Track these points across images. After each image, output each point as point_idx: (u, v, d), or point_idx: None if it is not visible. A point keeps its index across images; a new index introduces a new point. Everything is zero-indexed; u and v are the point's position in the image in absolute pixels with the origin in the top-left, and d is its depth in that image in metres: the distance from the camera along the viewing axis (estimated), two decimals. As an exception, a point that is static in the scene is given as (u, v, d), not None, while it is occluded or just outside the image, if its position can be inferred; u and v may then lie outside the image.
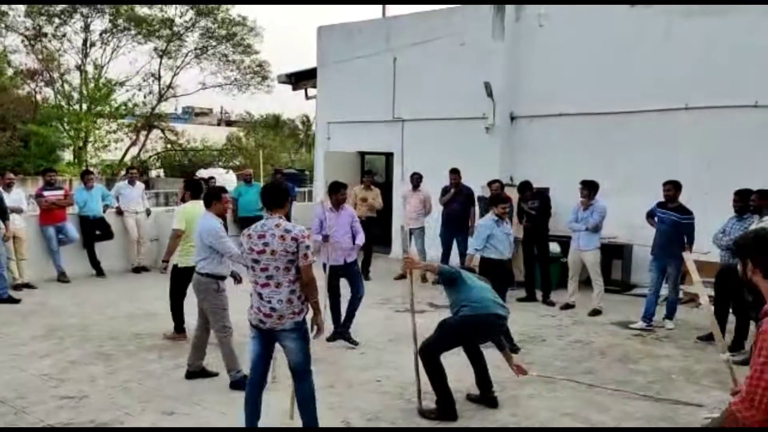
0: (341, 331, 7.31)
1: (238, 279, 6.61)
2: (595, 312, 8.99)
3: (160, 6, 31.35)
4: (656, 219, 8.48)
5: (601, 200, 9.07)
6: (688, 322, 8.52)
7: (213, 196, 6.14)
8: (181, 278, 7.10)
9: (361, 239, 7.50)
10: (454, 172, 10.80)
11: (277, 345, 4.70)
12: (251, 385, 4.71)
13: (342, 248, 7.28)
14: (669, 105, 10.43)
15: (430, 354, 5.39)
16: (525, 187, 10.06)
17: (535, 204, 9.80)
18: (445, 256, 10.78)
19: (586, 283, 9.49)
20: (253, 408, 4.70)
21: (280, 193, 4.70)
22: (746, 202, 7.36)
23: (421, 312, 8.95)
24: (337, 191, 7.44)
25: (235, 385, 5.79)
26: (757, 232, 2.86)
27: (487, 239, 7.73)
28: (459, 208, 10.75)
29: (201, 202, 6.43)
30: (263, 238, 4.48)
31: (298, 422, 4.82)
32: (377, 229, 11.99)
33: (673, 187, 8.33)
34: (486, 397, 5.66)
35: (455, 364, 6.77)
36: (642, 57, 10.71)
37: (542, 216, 9.84)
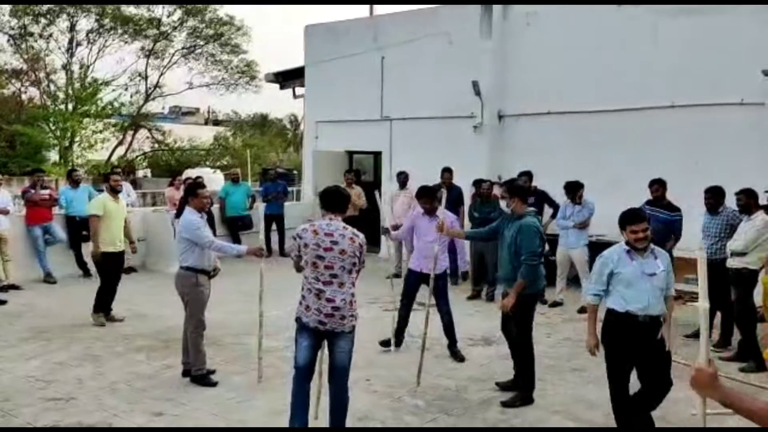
0: (451, 349, 7.01)
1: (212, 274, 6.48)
2: (584, 309, 9.02)
3: (147, 6, 31.21)
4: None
5: (590, 198, 9.13)
6: (675, 320, 8.54)
7: (189, 192, 6.41)
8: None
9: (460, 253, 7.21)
10: (447, 171, 10.78)
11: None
12: (301, 393, 4.66)
13: (425, 256, 6.86)
14: (656, 103, 10.47)
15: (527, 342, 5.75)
16: (523, 176, 10.02)
17: (530, 200, 9.75)
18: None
19: (574, 280, 9.53)
20: (302, 409, 4.66)
21: (342, 198, 4.75)
22: (717, 198, 7.42)
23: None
24: (421, 198, 7.07)
25: (196, 379, 6.01)
26: None
27: (608, 279, 4.82)
28: (448, 207, 10.74)
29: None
30: (331, 237, 4.52)
31: (321, 422, 4.82)
32: (365, 229, 11.97)
33: (660, 186, 8.38)
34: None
35: (448, 361, 6.80)
36: (629, 55, 10.76)
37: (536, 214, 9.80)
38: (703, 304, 2.56)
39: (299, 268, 4.70)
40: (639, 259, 4.72)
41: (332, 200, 4.71)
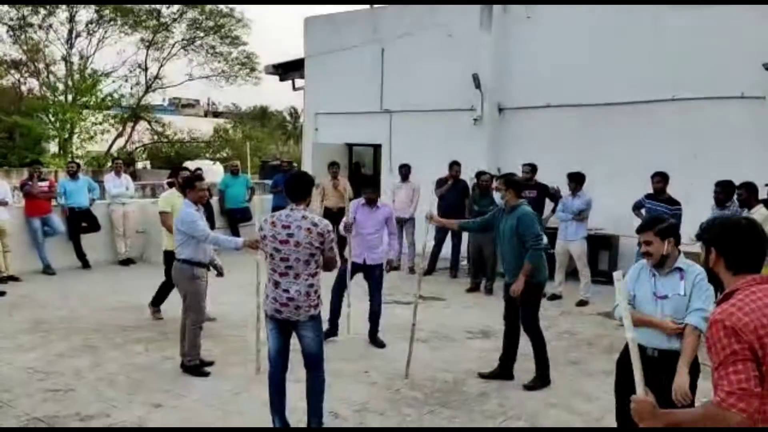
0: (371, 336, 7.16)
1: (219, 272, 6.65)
2: (582, 303, 9.04)
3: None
4: (645, 210, 8.49)
5: (587, 192, 9.12)
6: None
7: (186, 184, 6.35)
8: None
9: (394, 245, 7.21)
10: (457, 165, 10.73)
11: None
12: (273, 381, 4.72)
13: (367, 246, 7.04)
14: (656, 96, 10.46)
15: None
16: (531, 168, 10.01)
17: (532, 194, 9.72)
18: (438, 247, 10.81)
19: (572, 274, 9.53)
20: (279, 401, 4.73)
21: (304, 185, 4.68)
22: (728, 193, 7.41)
23: (409, 304, 8.98)
24: (367, 188, 7.18)
25: (188, 369, 6.04)
26: (723, 221, 2.78)
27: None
28: (454, 200, 10.70)
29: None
30: (288, 229, 4.49)
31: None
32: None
33: (662, 179, 8.37)
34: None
35: (446, 353, 6.81)
36: (629, 48, 10.74)
37: (536, 207, 9.70)
38: (630, 334, 2.50)
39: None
40: (659, 276, 3.91)
41: (293, 187, 4.65)
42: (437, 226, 10.53)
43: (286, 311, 4.55)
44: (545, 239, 6.10)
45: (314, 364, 4.69)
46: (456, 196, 10.66)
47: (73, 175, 11.19)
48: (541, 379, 5.89)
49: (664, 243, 3.86)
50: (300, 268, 4.51)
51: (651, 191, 8.59)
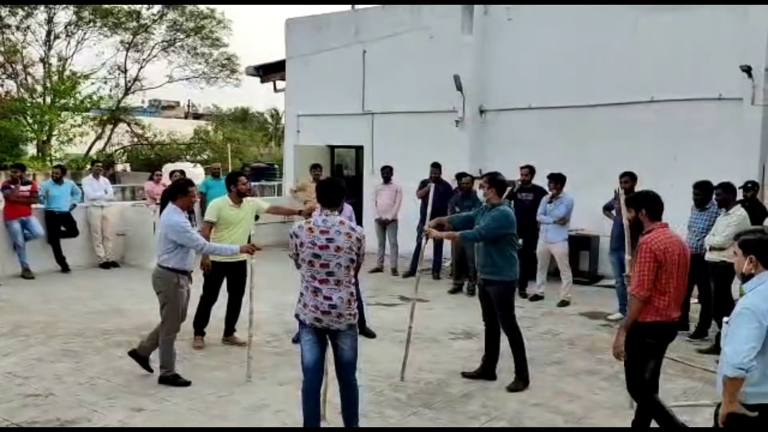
0: (360, 328, 7.26)
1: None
2: (564, 303, 9.09)
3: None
4: (614, 211, 8.55)
5: (568, 193, 9.17)
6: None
7: (178, 189, 5.98)
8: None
9: None
10: (435, 167, 10.72)
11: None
12: (310, 395, 4.56)
13: None
14: (635, 98, 10.56)
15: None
16: (530, 170, 10.05)
17: (529, 197, 9.73)
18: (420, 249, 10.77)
19: (554, 274, 9.58)
20: (317, 414, 4.63)
21: (338, 193, 4.61)
22: (707, 194, 7.48)
23: (393, 305, 9.00)
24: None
25: (163, 380, 5.84)
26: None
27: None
28: (437, 202, 10.64)
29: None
30: (326, 234, 4.40)
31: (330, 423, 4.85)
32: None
33: (630, 179, 8.41)
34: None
35: (430, 355, 6.81)
36: (609, 50, 10.83)
37: (532, 211, 9.68)
38: None
39: (299, 266, 4.58)
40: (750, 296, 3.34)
41: (327, 194, 4.58)
42: (421, 227, 10.57)
43: (327, 319, 4.43)
44: (520, 242, 6.11)
45: (350, 372, 4.60)
46: (438, 198, 10.62)
47: (57, 180, 11.07)
48: (522, 380, 5.91)
49: (744, 259, 3.28)
50: (341, 274, 4.42)
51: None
